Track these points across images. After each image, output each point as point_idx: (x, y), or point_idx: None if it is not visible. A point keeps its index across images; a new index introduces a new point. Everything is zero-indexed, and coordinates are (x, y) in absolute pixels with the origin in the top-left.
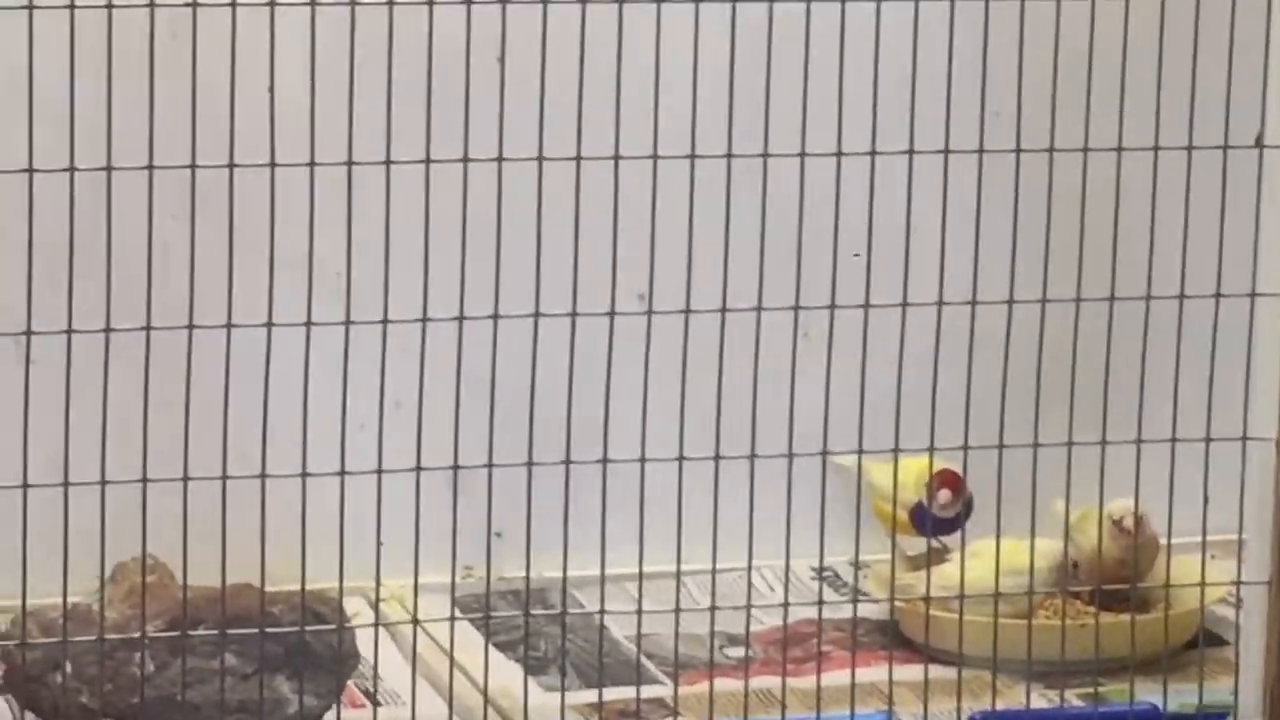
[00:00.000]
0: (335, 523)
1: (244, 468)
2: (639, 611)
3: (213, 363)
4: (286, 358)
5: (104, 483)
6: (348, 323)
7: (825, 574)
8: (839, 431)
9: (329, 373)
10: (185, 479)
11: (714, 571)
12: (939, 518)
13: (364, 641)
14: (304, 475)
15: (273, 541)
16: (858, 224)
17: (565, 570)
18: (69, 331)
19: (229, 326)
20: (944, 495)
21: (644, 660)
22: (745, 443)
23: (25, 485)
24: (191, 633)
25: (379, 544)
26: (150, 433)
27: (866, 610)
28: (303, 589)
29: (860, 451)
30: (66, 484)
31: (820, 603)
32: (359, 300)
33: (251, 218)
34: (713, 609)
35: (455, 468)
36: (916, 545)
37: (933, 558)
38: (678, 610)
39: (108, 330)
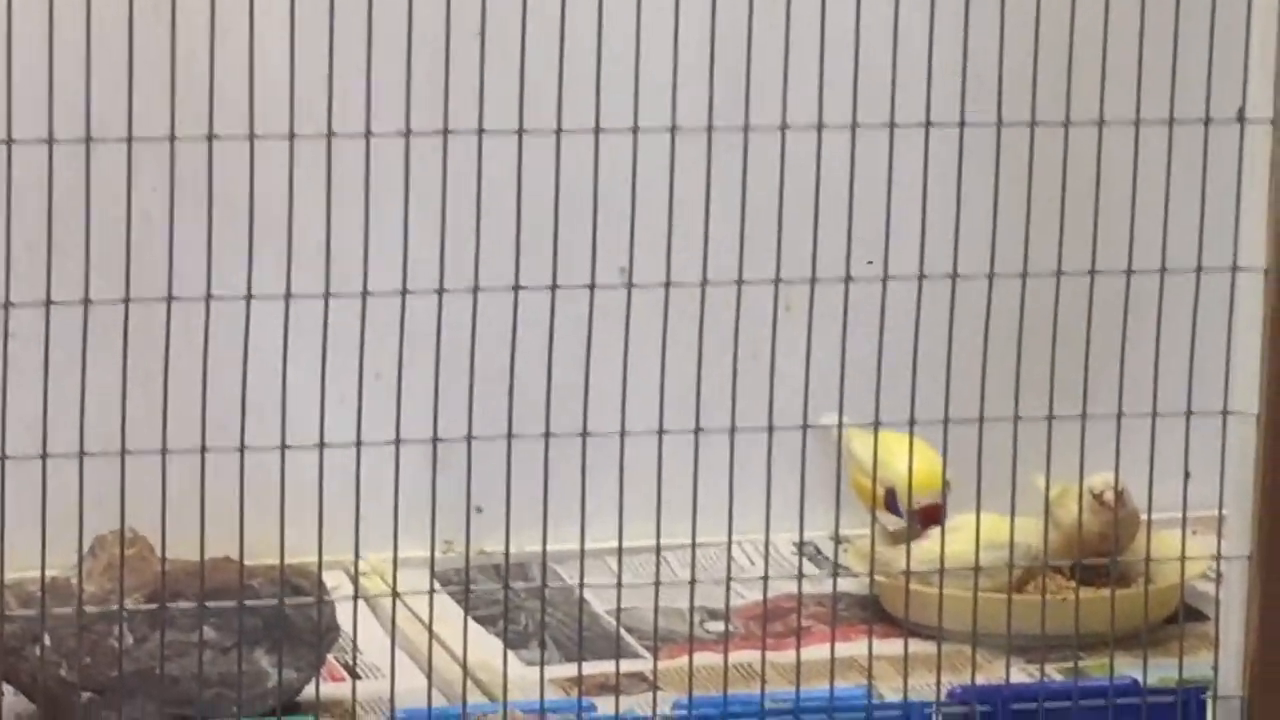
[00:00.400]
0: (314, 496)
1: (223, 440)
2: (619, 585)
3: (192, 335)
4: (266, 330)
5: (82, 454)
6: (327, 295)
7: (805, 549)
8: (820, 405)
9: (308, 345)
10: (164, 451)
11: (694, 545)
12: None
13: (344, 615)
14: (283, 448)
15: (252, 515)
16: (838, 196)
17: (545, 544)
18: (47, 303)
19: (208, 299)
20: (931, 531)
21: (624, 634)
22: (725, 416)
23: (3, 457)
24: (170, 605)
25: (358, 517)
26: (129, 405)
27: (847, 585)
28: (281, 562)
29: (840, 425)
30: (45, 455)
31: (800, 576)
32: (338, 272)
33: (231, 190)
34: (692, 582)
35: (435, 440)
36: (897, 520)
37: (913, 533)
38: (657, 583)
39: (86, 302)
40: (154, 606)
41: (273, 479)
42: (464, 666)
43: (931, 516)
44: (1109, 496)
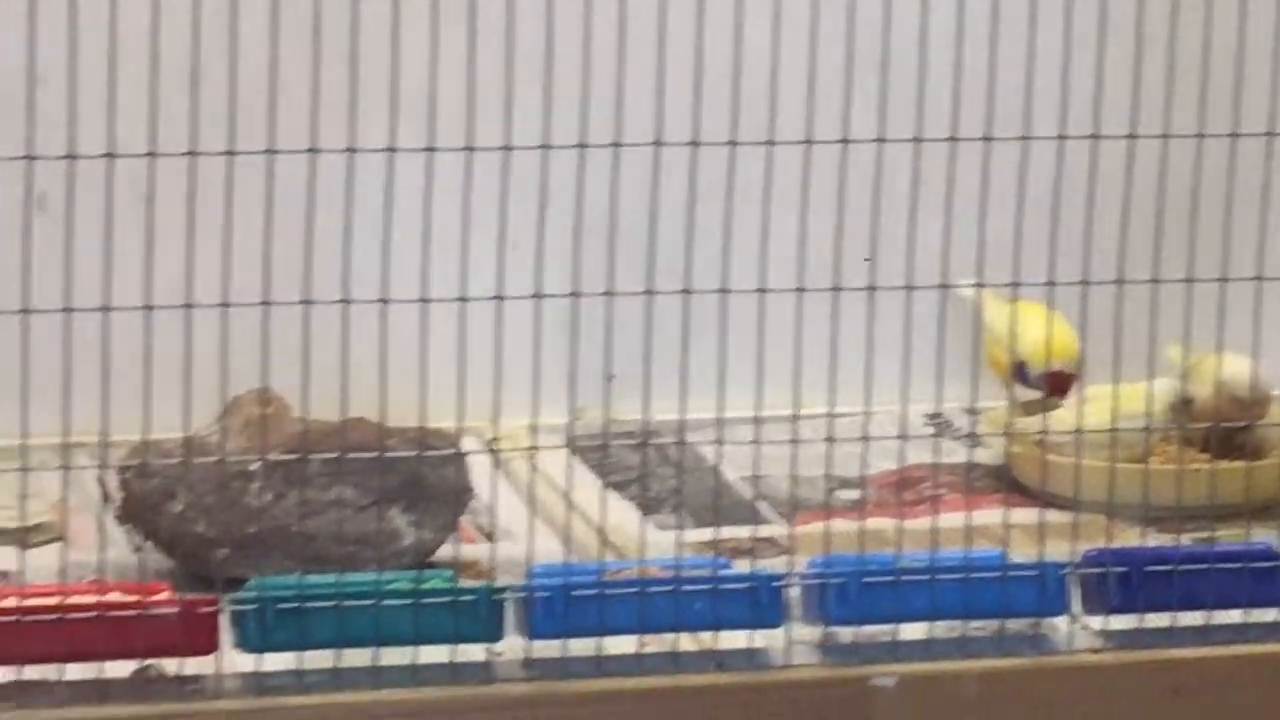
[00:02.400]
0: (450, 362)
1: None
2: (756, 442)
3: (334, 189)
4: (407, 185)
5: (225, 305)
6: (470, 149)
7: (938, 419)
8: (957, 272)
9: (449, 202)
10: (306, 302)
11: (831, 416)
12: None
13: (478, 480)
14: (423, 301)
15: (389, 380)
16: (979, 56)
17: (684, 405)
18: (191, 154)
19: (351, 151)
20: (1054, 401)
21: (757, 501)
22: (865, 278)
23: (149, 307)
24: (311, 456)
25: (499, 368)
26: (273, 260)
27: (980, 455)
28: (421, 419)
29: (980, 285)
30: (189, 306)
31: (936, 436)
32: (482, 129)
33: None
34: (829, 440)
35: (574, 295)
36: (1030, 392)
37: (1048, 403)
38: (795, 442)
39: (231, 154)
40: (295, 457)
41: (411, 342)
42: (599, 529)
43: (1060, 385)
44: (1242, 395)
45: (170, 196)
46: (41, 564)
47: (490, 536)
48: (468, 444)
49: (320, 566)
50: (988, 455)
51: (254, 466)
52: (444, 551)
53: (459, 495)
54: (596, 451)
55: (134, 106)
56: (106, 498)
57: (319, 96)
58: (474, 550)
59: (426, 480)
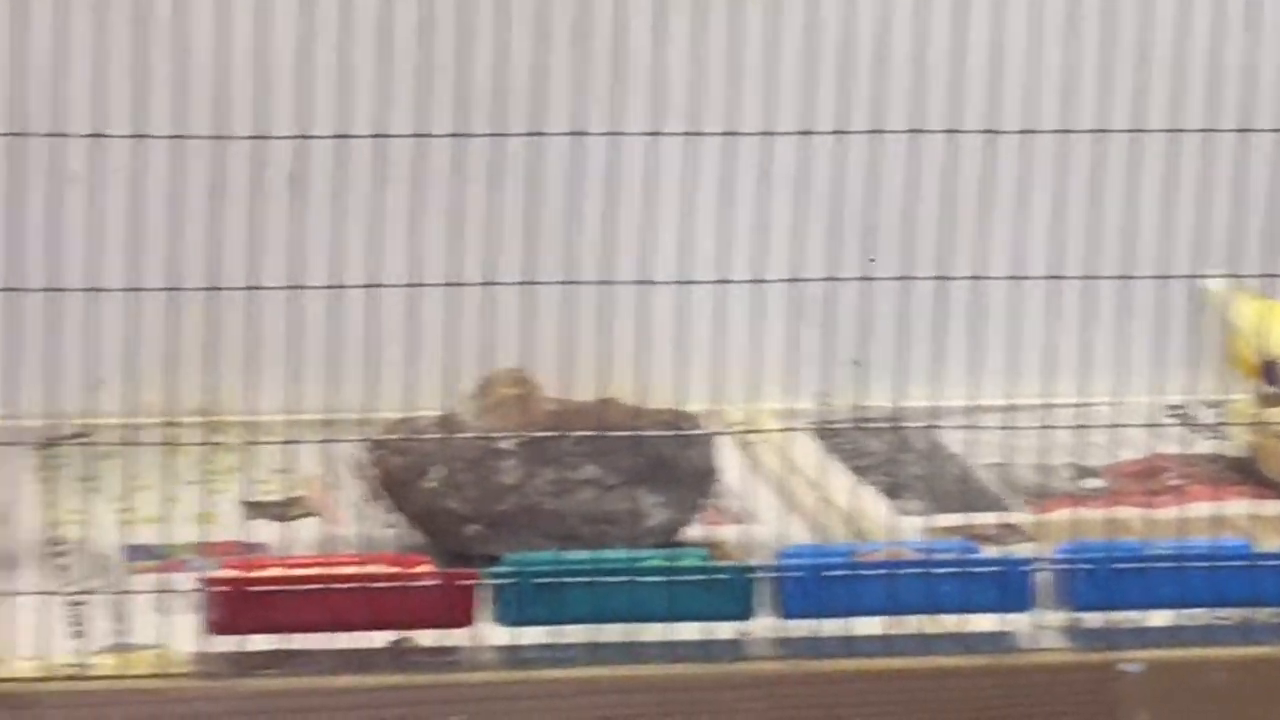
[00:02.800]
0: (705, 345)
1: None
2: (1007, 427)
3: (598, 172)
4: (669, 169)
5: (489, 284)
6: (731, 134)
7: (1179, 411)
8: (1210, 263)
9: (710, 186)
10: (569, 282)
11: (1078, 405)
12: None
13: (725, 463)
14: (686, 283)
15: (636, 365)
16: (1236, 50)
17: (936, 389)
18: (456, 135)
19: (615, 135)
20: None
21: (999, 489)
22: (1118, 267)
23: (415, 284)
24: (564, 435)
25: (754, 355)
26: (538, 241)
27: (1223, 449)
28: (678, 397)
29: (1233, 275)
30: (454, 284)
31: (1184, 424)
32: (744, 114)
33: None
34: (1080, 427)
35: (830, 279)
36: (1275, 389)
37: None
38: (1046, 427)
39: (498, 135)
40: (553, 434)
41: (665, 326)
42: (843, 512)
43: None
44: None
45: (436, 178)
46: (298, 537)
47: (736, 518)
48: (716, 427)
49: (569, 544)
50: (1232, 448)
51: (507, 444)
52: (690, 533)
53: (705, 477)
54: (842, 437)
55: (404, 91)
56: (360, 474)
57: (585, 80)
58: (720, 531)
59: (674, 462)
